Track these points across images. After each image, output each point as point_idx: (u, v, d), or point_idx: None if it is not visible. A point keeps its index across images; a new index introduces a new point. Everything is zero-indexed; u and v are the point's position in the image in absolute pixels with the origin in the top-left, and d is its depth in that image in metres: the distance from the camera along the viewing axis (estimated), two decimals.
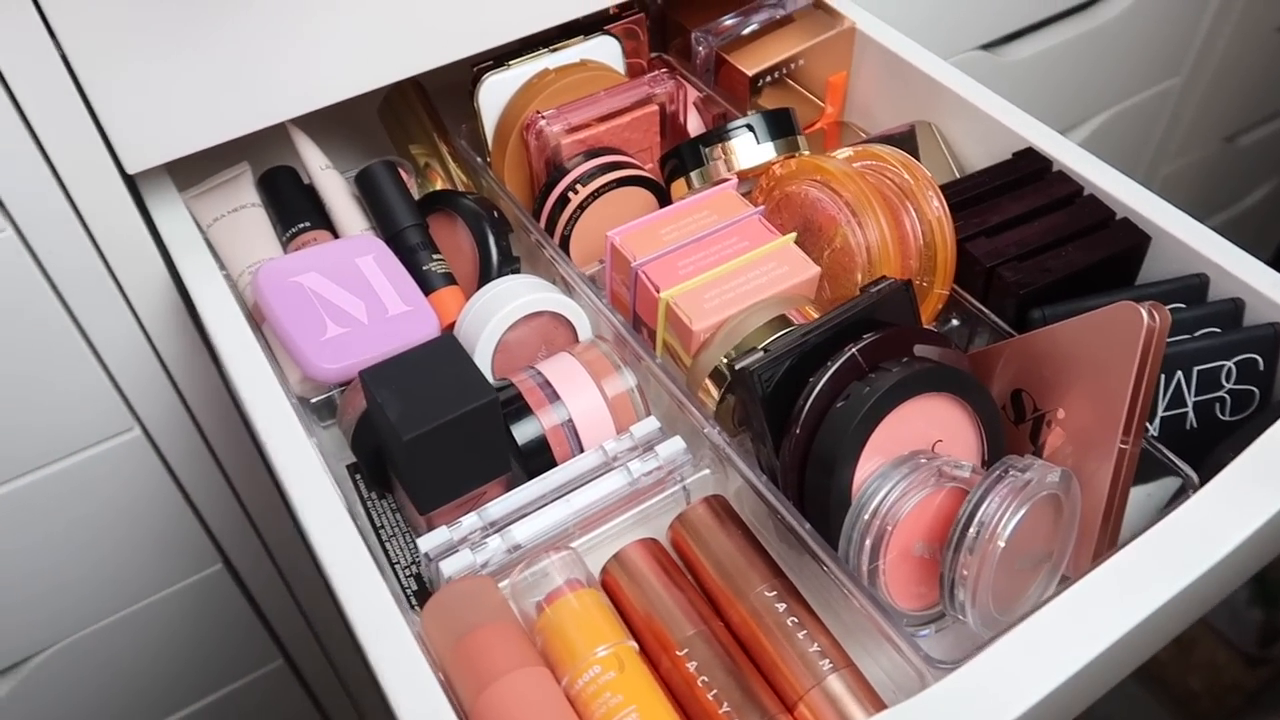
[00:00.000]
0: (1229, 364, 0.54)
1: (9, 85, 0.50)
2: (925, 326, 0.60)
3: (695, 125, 0.71)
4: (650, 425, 0.54)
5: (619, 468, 0.52)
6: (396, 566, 0.54)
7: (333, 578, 0.45)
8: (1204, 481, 0.49)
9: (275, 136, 0.62)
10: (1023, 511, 0.46)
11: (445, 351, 0.50)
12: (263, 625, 0.86)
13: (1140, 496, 0.53)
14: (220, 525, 0.76)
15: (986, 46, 0.95)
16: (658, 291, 0.56)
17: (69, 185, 0.54)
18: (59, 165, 0.53)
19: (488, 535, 0.50)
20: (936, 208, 0.58)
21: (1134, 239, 0.58)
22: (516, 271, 0.62)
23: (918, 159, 0.70)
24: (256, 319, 0.58)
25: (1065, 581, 0.51)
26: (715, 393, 0.55)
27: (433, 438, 0.46)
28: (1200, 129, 1.30)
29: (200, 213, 0.63)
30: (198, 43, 0.53)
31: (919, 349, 0.52)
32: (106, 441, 0.66)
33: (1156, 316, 0.48)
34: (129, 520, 0.72)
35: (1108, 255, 0.57)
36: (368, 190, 0.62)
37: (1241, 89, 1.29)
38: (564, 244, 0.64)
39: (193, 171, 0.62)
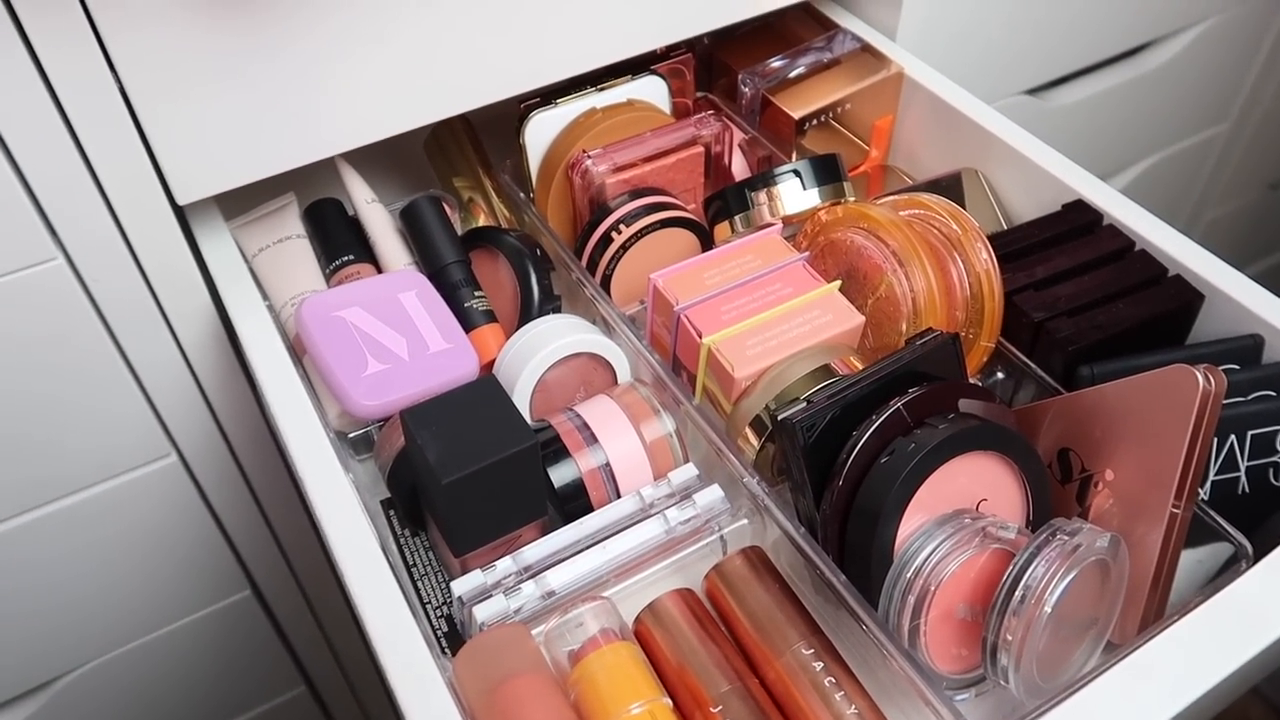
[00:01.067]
0: None
1: (67, 116, 0.51)
2: (971, 380, 0.59)
3: (740, 167, 0.71)
4: (688, 472, 0.53)
5: (656, 515, 0.52)
6: (428, 607, 0.54)
7: (366, 618, 0.45)
8: (1257, 551, 0.48)
9: (321, 168, 0.62)
10: (1070, 577, 0.45)
11: (486, 393, 0.49)
12: (287, 652, 0.86)
13: (1189, 562, 0.52)
14: (251, 552, 0.76)
15: (1032, 91, 0.94)
16: (700, 336, 0.55)
17: (120, 214, 0.55)
18: (111, 195, 0.54)
19: (522, 580, 0.49)
20: (985, 259, 0.57)
21: (1186, 297, 0.56)
22: (557, 310, 0.62)
23: (964, 206, 0.69)
24: (298, 351, 0.59)
25: (1110, 648, 0.49)
26: (755, 441, 0.54)
27: (471, 481, 0.46)
28: (1245, 175, 1.28)
29: (246, 243, 0.63)
30: (251, 77, 0.54)
31: (964, 404, 0.51)
32: (144, 467, 0.66)
33: (1213, 380, 0.47)
34: (162, 545, 0.72)
35: (1159, 313, 0.56)
36: (412, 225, 0.62)
37: None
38: (605, 283, 0.64)
39: (240, 201, 0.63)
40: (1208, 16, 1.01)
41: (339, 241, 0.63)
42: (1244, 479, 0.53)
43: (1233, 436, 0.53)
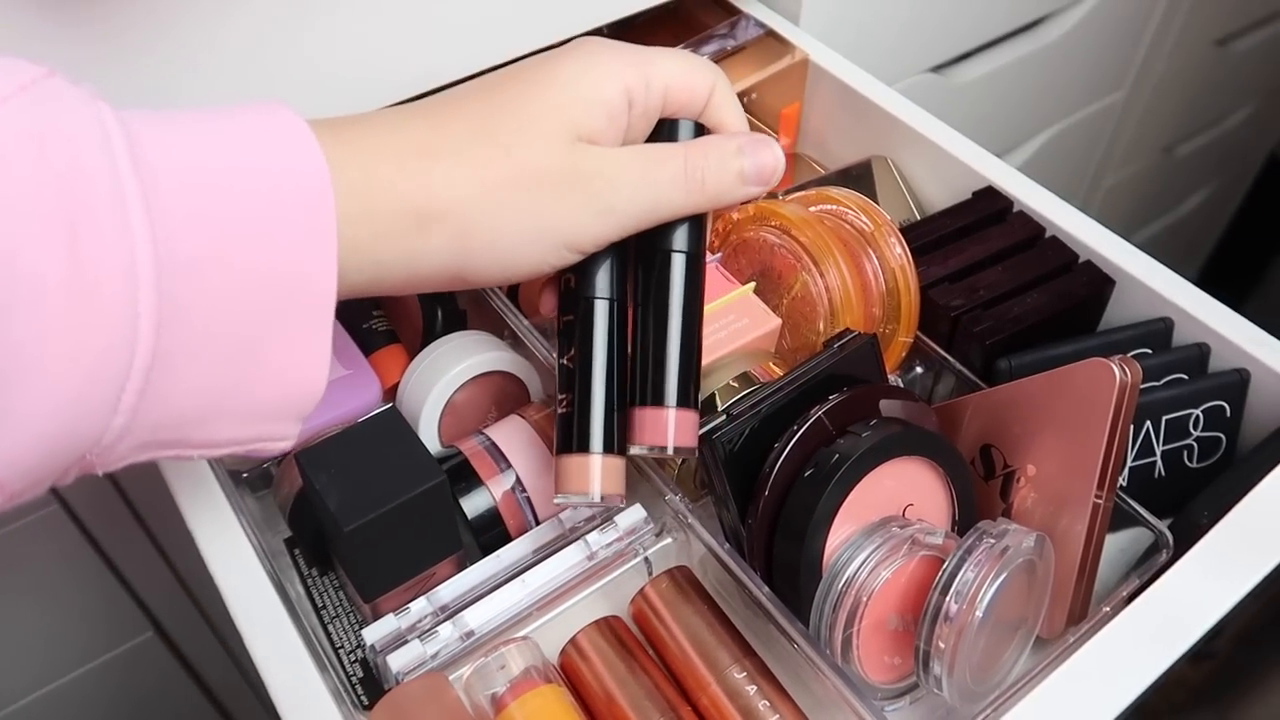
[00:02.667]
0: (1196, 412, 0.53)
1: None
2: (890, 376, 0.58)
3: None
4: None
5: (576, 540, 0.49)
6: (341, 651, 0.51)
7: (268, 680, 0.41)
8: (1177, 539, 0.48)
9: None
10: (1000, 580, 0.44)
11: (387, 427, 0.46)
12: (202, 693, 0.81)
13: (1111, 550, 0.52)
14: (150, 592, 0.71)
15: (936, 69, 0.94)
16: None
17: None
18: None
19: (439, 622, 0.46)
20: (899, 253, 0.56)
21: (1098, 283, 0.56)
22: (463, 326, 0.59)
23: (874, 194, 0.68)
24: None
25: (1039, 643, 0.49)
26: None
27: (376, 525, 0.43)
28: (1141, 141, 1.31)
29: None
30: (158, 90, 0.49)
31: (885, 405, 0.50)
32: (22, 519, 0.61)
33: (1129, 371, 0.47)
34: (51, 592, 0.67)
35: (1073, 301, 0.56)
36: None
37: (1181, 101, 1.30)
38: (512, 294, 0.61)
39: None
40: None
41: None
42: (1160, 464, 0.54)
43: (1148, 423, 0.53)
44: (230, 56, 0.52)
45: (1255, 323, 0.54)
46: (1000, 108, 1.03)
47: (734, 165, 0.44)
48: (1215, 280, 1.73)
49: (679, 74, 0.43)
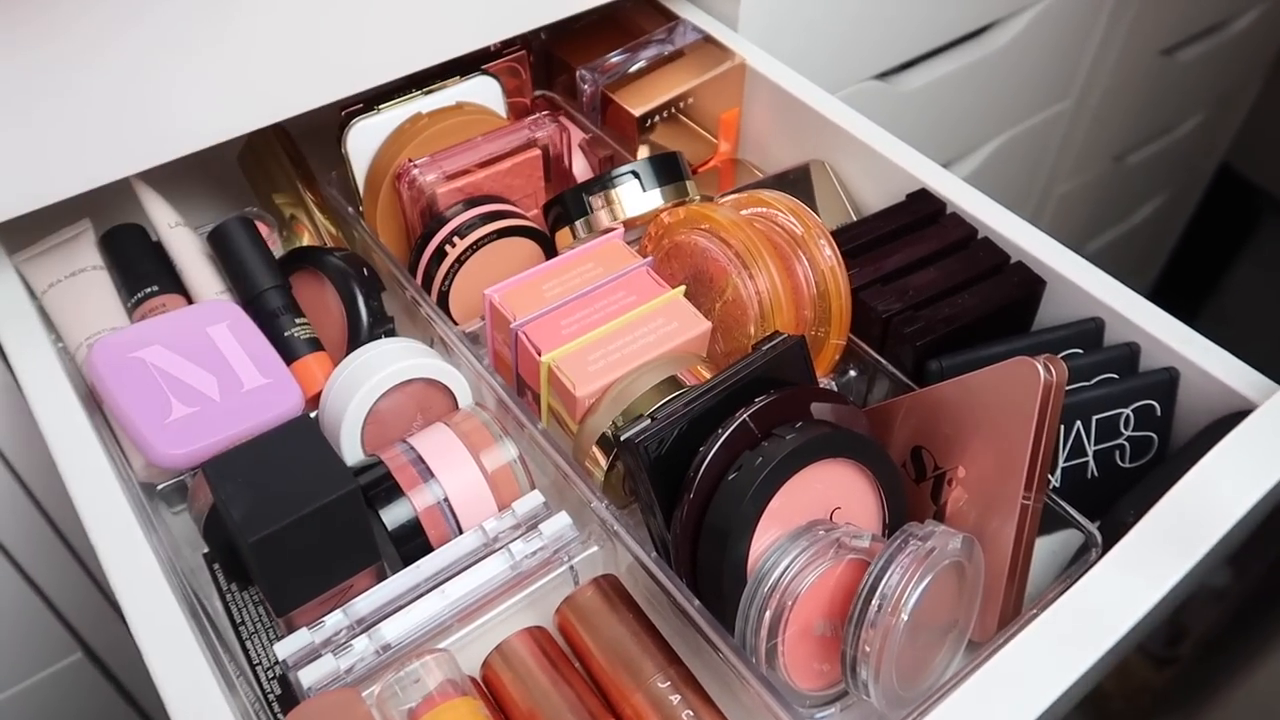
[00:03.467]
0: (1127, 411, 0.53)
1: None
2: (822, 379, 0.58)
3: (581, 168, 0.68)
4: (534, 501, 0.50)
5: (500, 550, 0.48)
6: (258, 668, 0.49)
7: (168, 702, 0.40)
8: (1106, 538, 0.48)
9: (121, 189, 0.56)
10: (926, 582, 0.44)
11: (300, 435, 0.45)
12: (136, 712, 0.79)
13: (1043, 552, 0.51)
14: (76, 613, 0.69)
15: (881, 76, 0.94)
16: (539, 354, 0.52)
17: None
18: None
19: (354, 635, 0.45)
20: (829, 256, 0.56)
21: (1029, 283, 0.56)
22: (390, 333, 0.58)
23: (813, 198, 0.68)
24: (95, 399, 0.53)
25: (972, 646, 0.49)
26: (603, 461, 0.51)
27: (284, 536, 0.42)
28: (1091, 150, 1.33)
29: (34, 277, 0.57)
30: (24, 99, 0.48)
31: (815, 408, 0.49)
32: None
33: (1053, 370, 0.46)
34: None
35: (1004, 301, 0.55)
36: (221, 250, 0.57)
37: (1130, 110, 1.32)
38: (442, 300, 0.60)
39: (27, 230, 0.56)
40: None
41: (141, 271, 0.57)
42: (1092, 463, 0.53)
43: (1078, 422, 0.52)
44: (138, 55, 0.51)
45: (1209, 332, 0.53)
46: (947, 115, 1.04)
47: None
48: (1170, 290, 1.75)
49: None
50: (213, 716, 0.39)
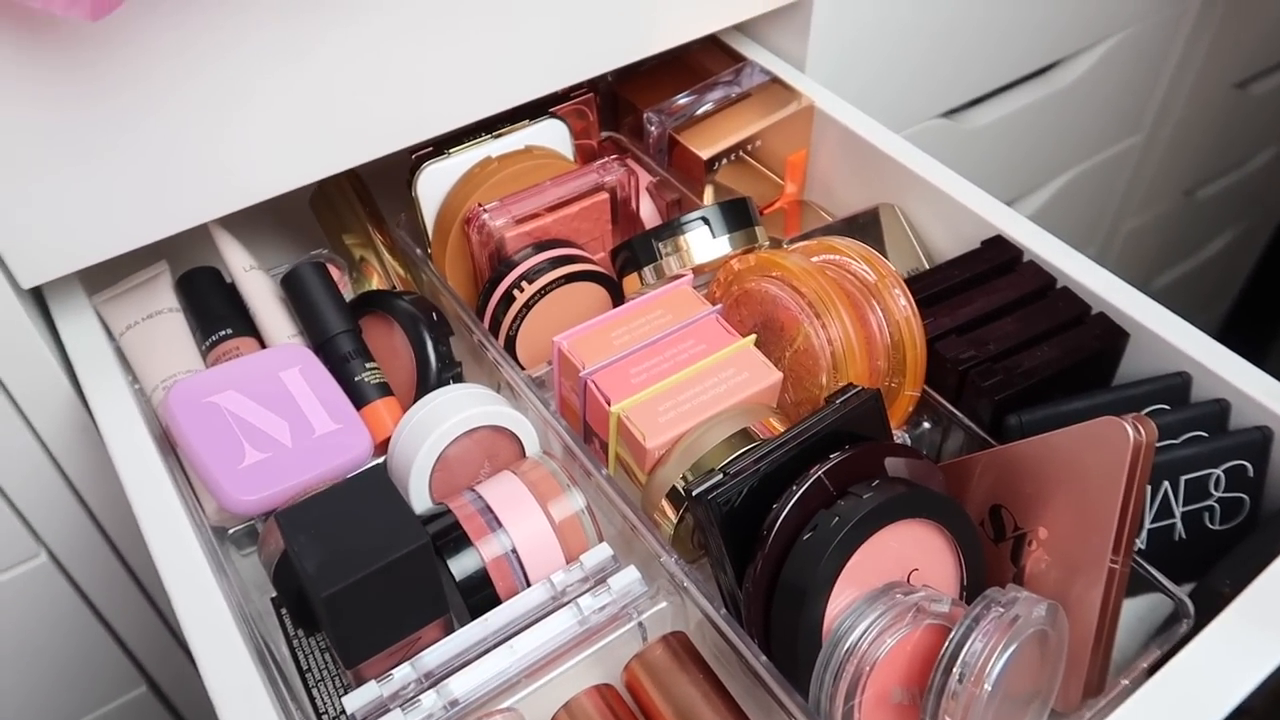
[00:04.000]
0: (1217, 471, 0.51)
1: None
2: (894, 430, 0.56)
3: (649, 211, 0.67)
4: (602, 554, 0.49)
5: (568, 604, 0.48)
6: (324, 717, 0.49)
7: None
8: (1198, 607, 0.46)
9: (197, 231, 0.57)
10: (1010, 651, 0.42)
11: (371, 486, 0.45)
12: None
13: (1128, 617, 0.49)
14: (143, 648, 0.70)
15: (948, 114, 0.93)
16: (609, 404, 0.52)
17: None
18: None
19: (422, 690, 0.45)
20: (904, 305, 0.54)
21: (1112, 336, 0.54)
22: (458, 377, 0.58)
23: (882, 243, 0.67)
24: (170, 441, 0.53)
25: (1054, 717, 0.47)
26: (672, 514, 0.51)
27: (356, 590, 0.42)
28: (1162, 184, 1.29)
29: (112, 319, 0.58)
30: (100, 148, 0.49)
31: (890, 463, 0.48)
32: (8, 571, 0.60)
33: (1143, 431, 0.45)
34: (42, 648, 0.66)
35: (1086, 355, 0.54)
36: (294, 294, 0.58)
37: (1201, 143, 1.28)
38: (509, 345, 0.60)
39: (107, 270, 0.57)
40: (1117, 31, 1.01)
41: (216, 314, 0.58)
42: (1180, 525, 0.51)
43: (1166, 483, 0.50)
44: (205, 101, 0.52)
45: (1277, 374, 0.51)
46: (1015, 152, 1.02)
47: None
48: (1237, 328, 1.69)
49: None
50: None
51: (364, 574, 0.41)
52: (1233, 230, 1.58)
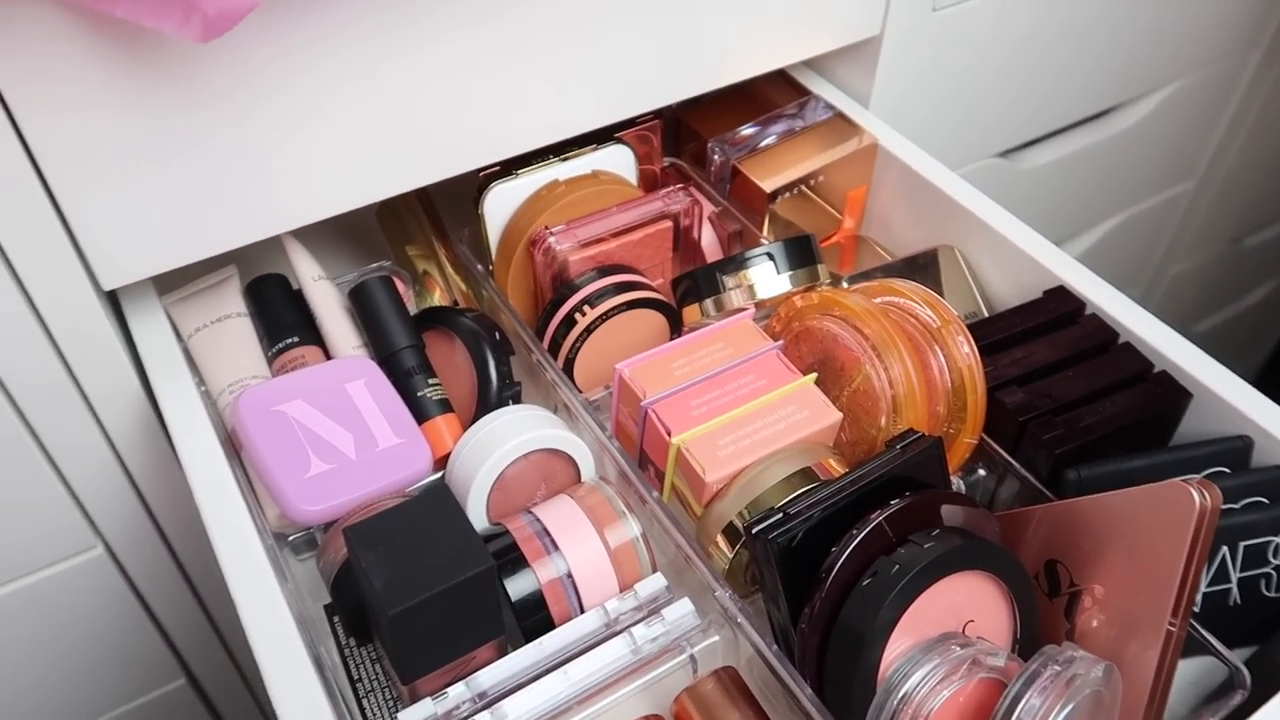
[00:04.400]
0: (1277, 540, 0.50)
1: None
2: (952, 477, 0.56)
3: (710, 240, 0.68)
4: (656, 584, 0.50)
5: (622, 632, 0.48)
6: None
7: None
8: (1255, 676, 0.46)
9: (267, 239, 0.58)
10: (1066, 711, 0.42)
11: (437, 506, 0.46)
12: None
13: (1179, 678, 0.49)
14: (186, 642, 0.71)
15: (1004, 154, 0.93)
16: (669, 435, 0.52)
17: (39, 304, 0.50)
18: (29, 285, 0.50)
19: (476, 710, 0.45)
20: (967, 352, 0.55)
21: (1174, 396, 0.54)
22: (517, 396, 0.59)
23: (940, 285, 0.67)
24: (234, 444, 0.54)
25: None
26: (728, 549, 0.51)
27: (422, 609, 0.42)
28: (1209, 231, 1.29)
29: (182, 320, 0.59)
30: (183, 159, 0.50)
31: (946, 510, 0.48)
32: (66, 561, 0.61)
33: (1208, 496, 0.45)
34: (89, 637, 0.67)
35: (1147, 413, 0.54)
36: (362, 307, 0.58)
37: (1250, 193, 1.28)
38: (568, 367, 0.60)
39: (177, 272, 0.58)
40: (1175, 80, 1.00)
41: (283, 322, 0.59)
42: (1236, 590, 0.51)
43: (1224, 548, 0.50)
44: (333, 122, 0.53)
45: None
46: (1066, 194, 1.02)
47: None
48: (1273, 380, 1.68)
49: None
50: None
51: (430, 594, 0.42)
52: (1275, 279, 1.57)
